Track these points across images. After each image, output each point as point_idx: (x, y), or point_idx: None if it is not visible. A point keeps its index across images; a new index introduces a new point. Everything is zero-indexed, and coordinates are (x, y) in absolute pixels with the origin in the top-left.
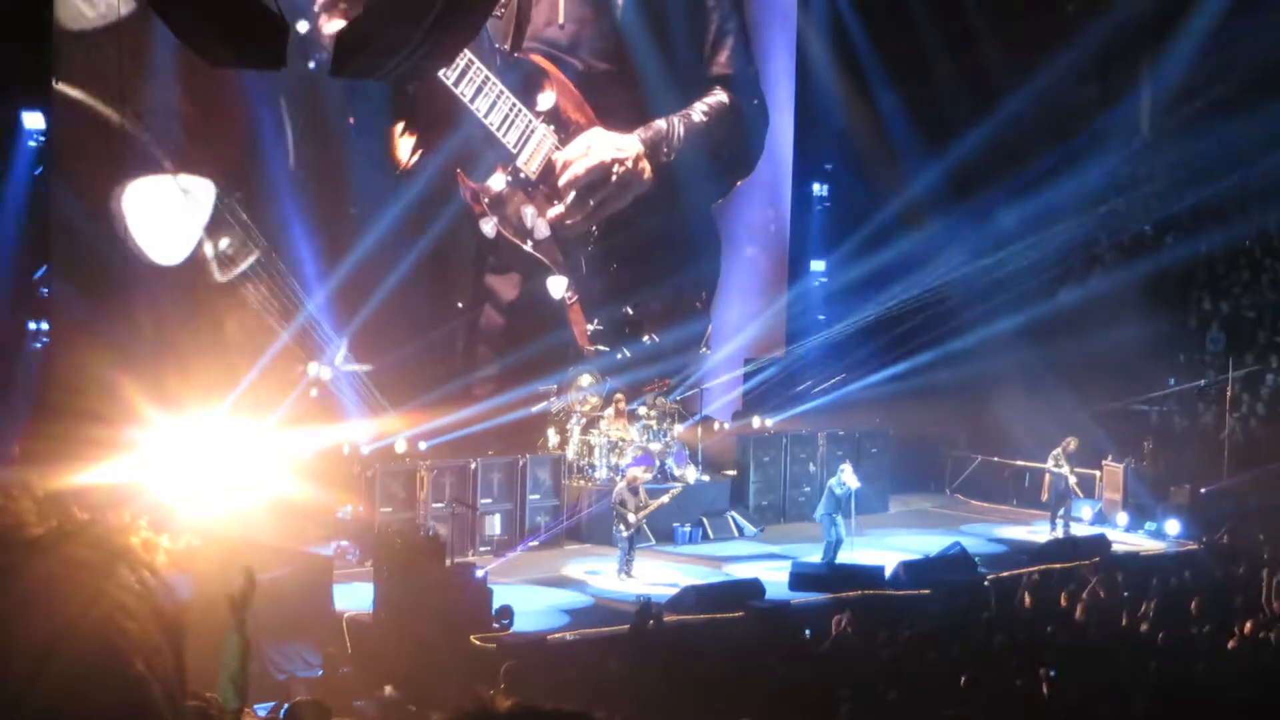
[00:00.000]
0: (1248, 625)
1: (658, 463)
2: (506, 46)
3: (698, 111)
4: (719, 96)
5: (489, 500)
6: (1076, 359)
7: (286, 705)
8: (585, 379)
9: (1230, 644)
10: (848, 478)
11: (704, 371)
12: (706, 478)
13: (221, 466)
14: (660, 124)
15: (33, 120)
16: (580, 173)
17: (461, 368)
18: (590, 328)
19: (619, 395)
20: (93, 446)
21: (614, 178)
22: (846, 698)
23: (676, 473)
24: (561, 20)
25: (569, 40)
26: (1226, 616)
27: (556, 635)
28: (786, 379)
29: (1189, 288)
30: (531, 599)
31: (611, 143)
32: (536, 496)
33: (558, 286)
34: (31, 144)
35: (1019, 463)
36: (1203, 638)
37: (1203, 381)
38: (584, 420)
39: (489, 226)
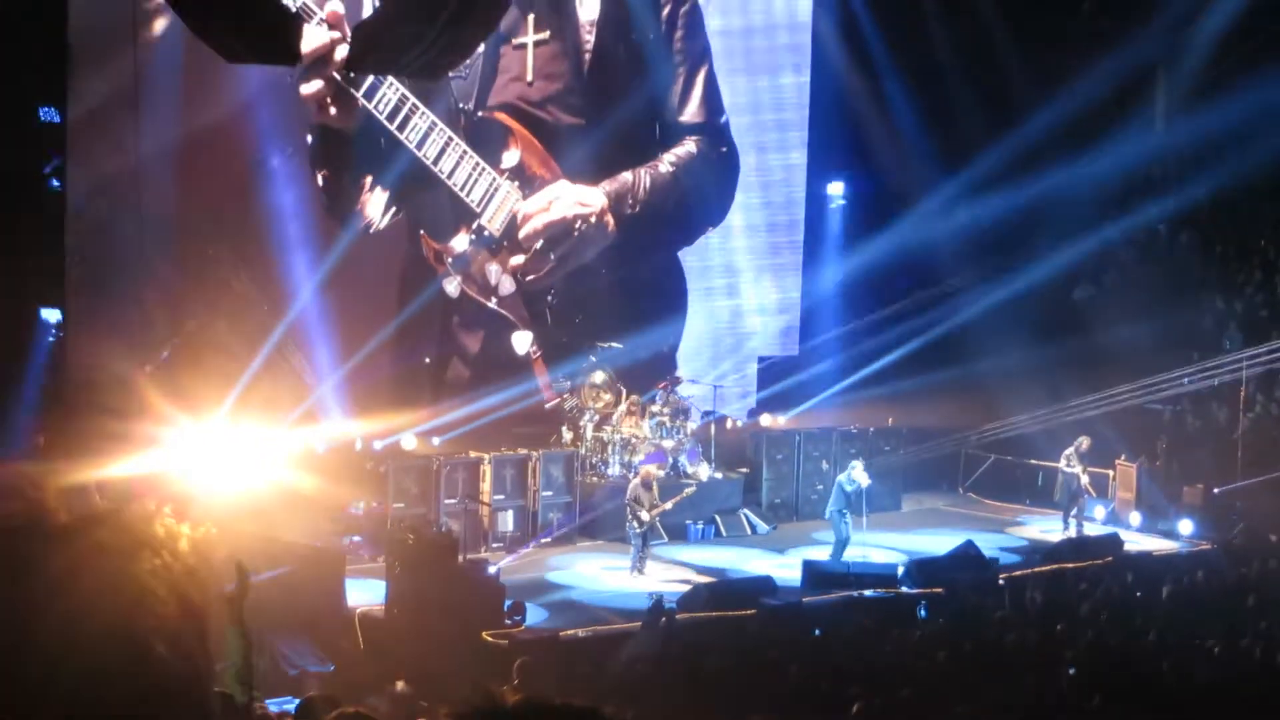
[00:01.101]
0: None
1: (671, 460)
2: (471, 106)
3: (665, 163)
4: (687, 147)
5: (502, 496)
6: (1090, 357)
7: (299, 701)
8: (599, 375)
9: (1242, 643)
10: (858, 474)
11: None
12: (719, 475)
13: (234, 460)
14: (626, 176)
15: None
16: (540, 227)
17: (429, 420)
18: (553, 380)
19: (632, 393)
20: (112, 440)
21: (576, 232)
22: (858, 695)
23: (689, 470)
24: (530, 77)
25: (538, 96)
26: (1239, 616)
27: (569, 632)
28: (800, 376)
29: (1203, 287)
30: (544, 595)
31: (575, 197)
32: (549, 493)
33: (522, 342)
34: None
35: (1032, 462)
36: (1215, 637)
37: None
38: (597, 417)
39: (452, 286)
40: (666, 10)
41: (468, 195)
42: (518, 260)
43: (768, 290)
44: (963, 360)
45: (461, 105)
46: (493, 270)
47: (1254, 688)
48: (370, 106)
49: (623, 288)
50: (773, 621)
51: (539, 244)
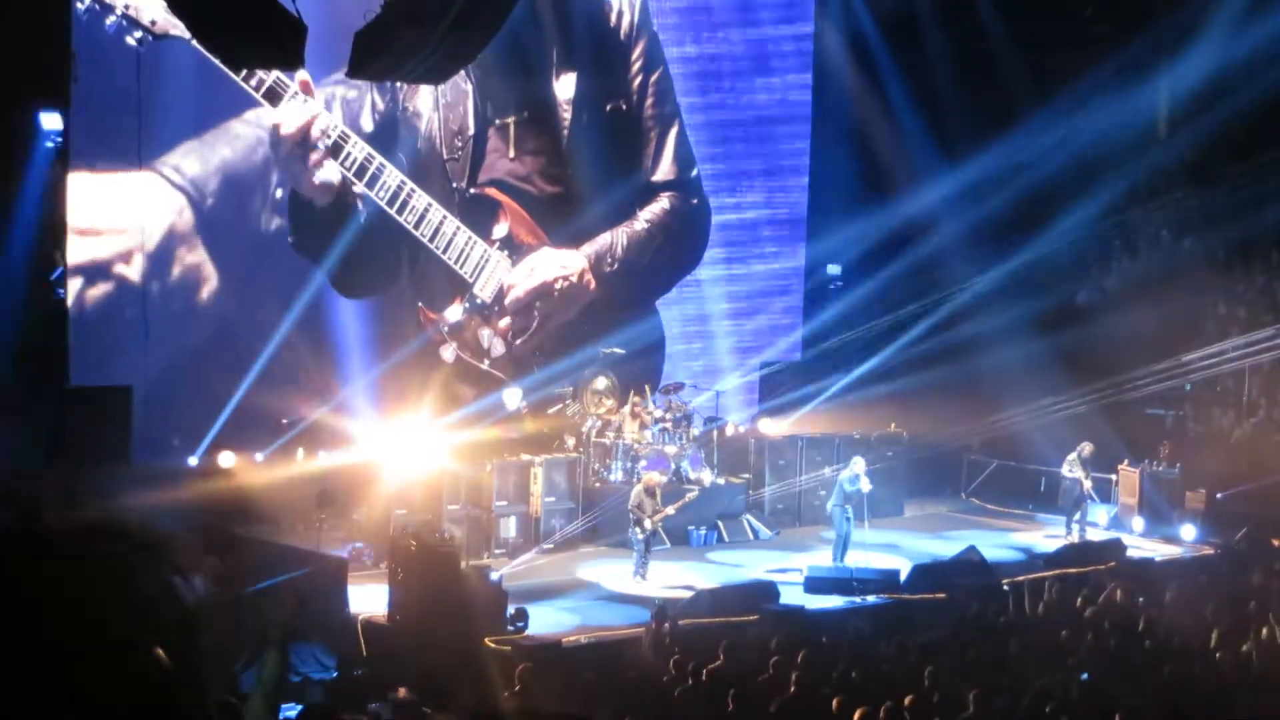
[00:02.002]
0: (1263, 631)
1: (673, 466)
2: (464, 184)
3: (641, 220)
4: (661, 203)
5: (504, 503)
6: (1092, 362)
7: (301, 708)
8: (601, 381)
9: (1244, 648)
10: (858, 469)
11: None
12: (722, 480)
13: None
14: (605, 237)
15: (50, 121)
16: (522, 294)
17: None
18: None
19: (635, 398)
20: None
21: (557, 293)
22: (861, 701)
23: (692, 476)
24: (512, 154)
25: (523, 170)
26: (1241, 622)
27: (571, 638)
28: (802, 381)
29: (1205, 292)
30: (547, 602)
31: (556, 261)
32: (552, 499)
33: (513, 398)
34: (49, 145)
35: (1034, 467)
36: (1217, 642)
37: (1187, 386)
38: (600, 423)
39: (448, 353)
40: (637, 81)
41: (461, 267)
42: (506, 323)
43: (770, 294)
44: (964, 362)
45: (455, 184)
46: (485, 334)
47: (1253, 694)
48: (372, 194)
49: (606, 338)
50: (775, 627)
51: (521, 308)
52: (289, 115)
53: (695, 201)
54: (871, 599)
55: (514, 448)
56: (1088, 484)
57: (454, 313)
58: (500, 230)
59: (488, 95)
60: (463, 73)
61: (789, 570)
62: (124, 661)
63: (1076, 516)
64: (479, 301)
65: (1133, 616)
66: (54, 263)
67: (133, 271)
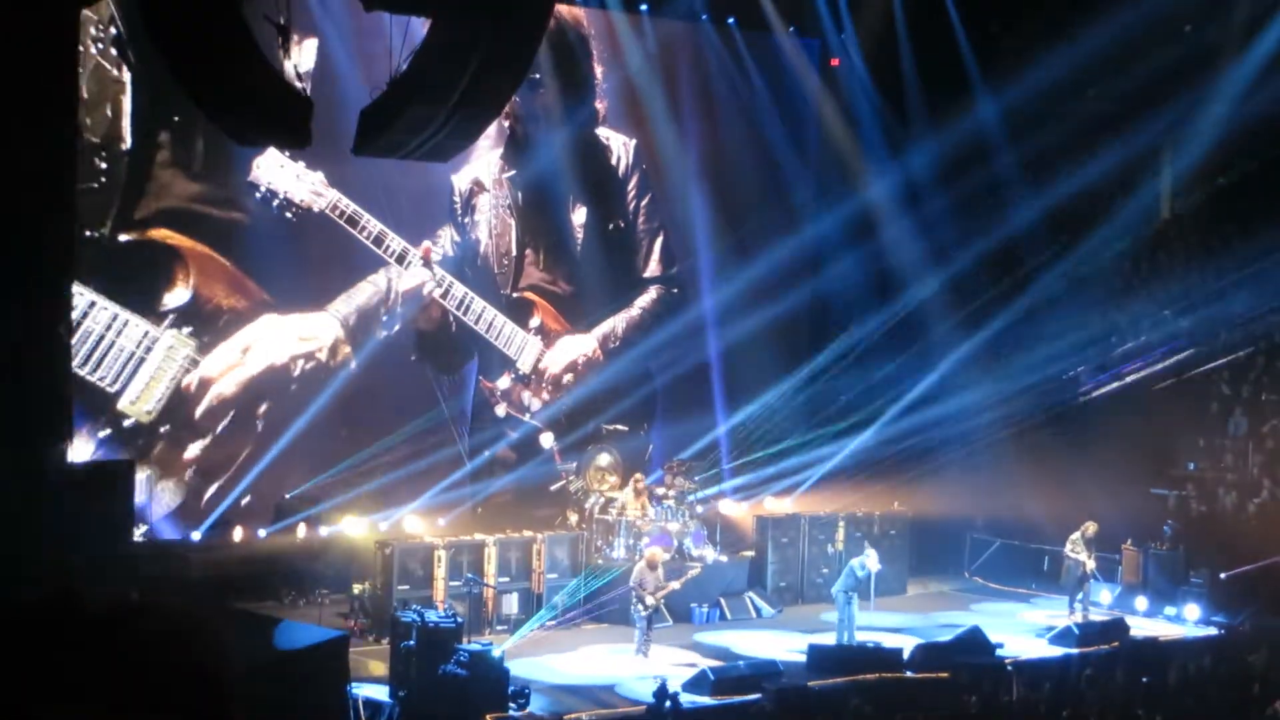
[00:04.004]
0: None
1: (676, 542)
2: (509, 290)
3: (636, 308)
4: (650, 294)
5: (506, 579)
6: (1096, 443)
7: None
8: (604, 458)
9: None
10: (871, 563)
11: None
12: (725, 558)
13: None
14: (609, 323)
15: None
16: (555, 371)
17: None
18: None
19: (638, 475)
20: None
21: (578, 367)
22: None
23: (695, 553)
24: (542, 266)
25: (550, 276)
26: (1245, 703)
27: (573, 716)
28: (804, 458)
29: (1210, 373)
30: (548, 679)
31: (577, 345)
32: (554, 575)
33: (547, 440)
34: None
35: (1038, 546)
36: None
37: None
38: (602, 499)
39: (500, 410)
40: (631, 205)
41: (508, 349)
42: (542, 388)
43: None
44: (965, 444)
45: (502, 290)
46: (525, 396)
47: None
48: (459, 315)
49: (613, 394)
50: (779, 706)
51: (554, 381)
52: (412, 277)
53: (675, 291)
54: (874, 677)
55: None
56: (1091, 564)
57: (504, 382)
58: (535, 322)
59: (525, 227)
60: (509, 210)
61: (792, 648)
62: None
63: (1079, 596)
64: (521, 374)
65: (1136, 697)
66: None
67: None
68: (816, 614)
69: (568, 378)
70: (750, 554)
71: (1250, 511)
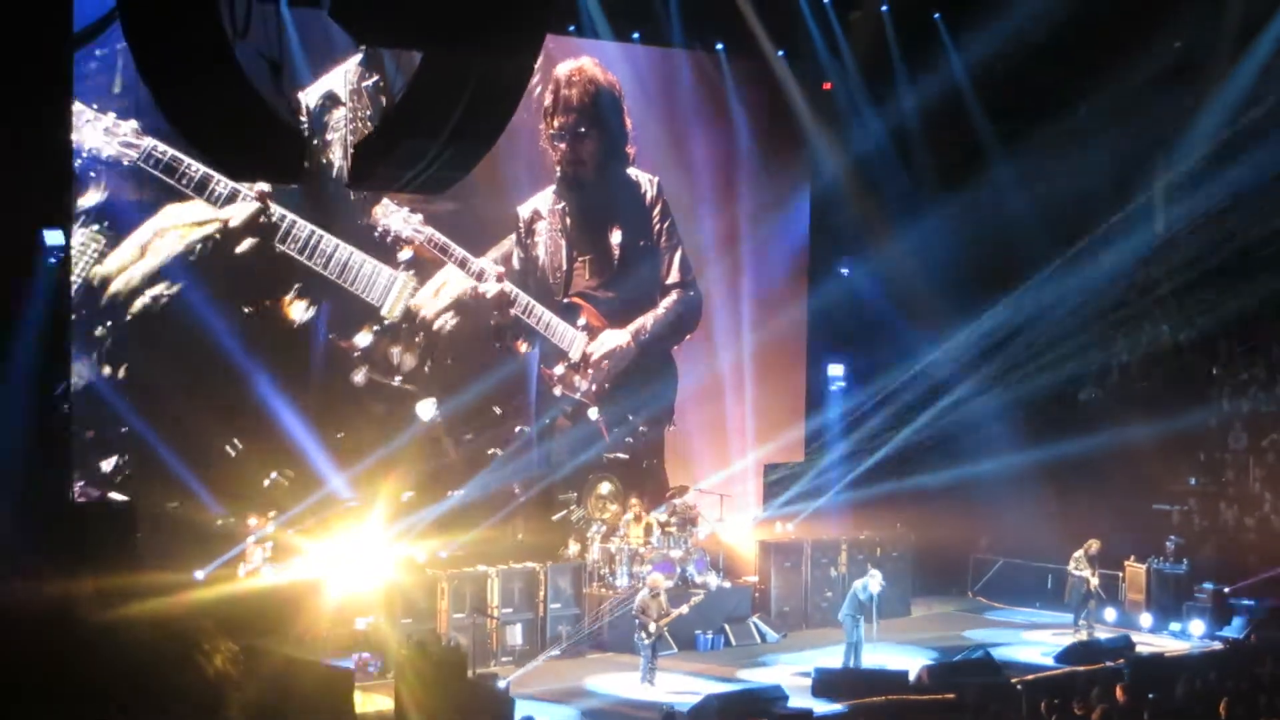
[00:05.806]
0: None
1: (679, 570)
2: (561, 297)
3: (661, 307)
4: (672, 296)
5: (510, 610)
6: (1097, 460)
7: None
8: (605, 486)
9: None
10: (874, 585)
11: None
12: (728, 584)
13: None
14: (639, 321)
15: (54, 237)
16: (598, 358)
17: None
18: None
19: (634, 500)
20: None
21: (617, 355)
22: None
23: (698, 579)
24: (588, 276)
25: (593, 284)
26: (1253, 717)
27: None
28: (806, 484)
29: (1209, 386)
30: (554, 710)
31: (615, 338)
32: (558, 605)
33: (594, 412)
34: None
35: (1041, 564)
36: None
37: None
38: (604, 528)
39: (557, 390)
40: (656, 228)
41: (561, 343)
42: (588, 372)
43: (772, 397)
44: (967, 464)
45: (557, 297)
46: (576, 379)
47: None
48: (524, 318)
49: (641, 379)
50: None
51: (598, 367)
52: (489, 289)
53: (691, 294)
54: (881, 700)
55: (519, 554)
56: (1094, 581)
57: (559, 369)
58: (582, 321)
59: (574, 246)
60: (561, 233)
61: (798, 672)
62: None
63: (1084, 613)
64: (572, 362)
65: (1142, 713)
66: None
67: None
68: (822, 638)
69: (606, 363)
70: (753, 579)
71: (1250, 525)
